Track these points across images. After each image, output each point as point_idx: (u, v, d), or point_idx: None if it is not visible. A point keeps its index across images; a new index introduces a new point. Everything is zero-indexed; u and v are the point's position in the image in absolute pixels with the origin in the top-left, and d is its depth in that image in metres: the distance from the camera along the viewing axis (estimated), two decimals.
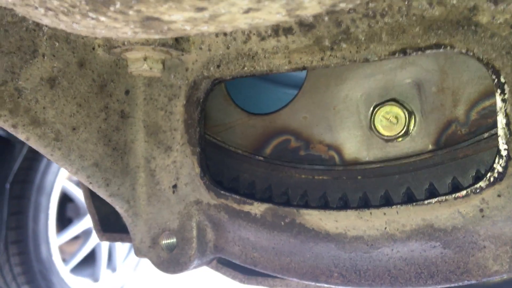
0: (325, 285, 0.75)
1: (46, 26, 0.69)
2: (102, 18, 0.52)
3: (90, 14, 0.52)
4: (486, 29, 0.60)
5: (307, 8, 0.49)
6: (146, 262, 3.95)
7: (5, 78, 0.66)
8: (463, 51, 0.62)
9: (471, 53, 0.61)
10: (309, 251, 0.74)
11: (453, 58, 0.70)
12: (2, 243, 4.66)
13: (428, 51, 0.64)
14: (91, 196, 1.06)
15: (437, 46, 0.63)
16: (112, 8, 0.49)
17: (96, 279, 3.79)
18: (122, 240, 1.04)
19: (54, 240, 3.63)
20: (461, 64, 0.70)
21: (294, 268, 0.76)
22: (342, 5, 0.50)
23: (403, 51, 0.65)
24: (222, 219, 0.79)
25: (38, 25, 0.69)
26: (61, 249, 3.64)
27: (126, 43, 0.72)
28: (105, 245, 3.66)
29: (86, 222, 3.68)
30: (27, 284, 5.05)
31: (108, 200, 0.83)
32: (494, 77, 0.60)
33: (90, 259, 3.72)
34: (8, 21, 0.66)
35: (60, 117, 0.72)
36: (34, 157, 5.02)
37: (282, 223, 0.75)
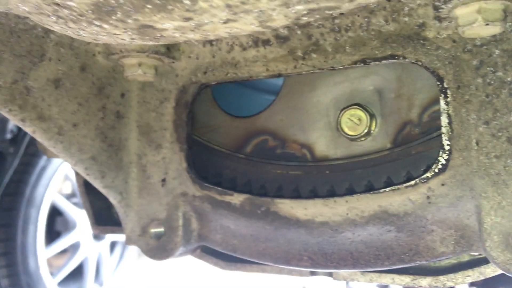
0: (296, 268, 0.84)
1: (54, 34, 0.79)
2: (105, 26, 0.62)
3: (95, 22, 0.62)
4: (432, 42, 0.71)
5: (276, 20, 0.59)
6: (132, 277, 3.99)
7: (16, 77, 0.75)
8: (413, 61, 0.72)
9: (420, 63, 0.72)
10: (282, 237, 0.83)
11: (409, 68, 0.81)
12: None
13: (384, 61, 0.74)
14: (87, 192, 1.15)
15: (392, 56, 0.74)
16: (114, 17, 0.59)
17: None
18: (114, 231, 1.13)
19: (43, 253, 3.64)
20: (415, 74, 0.80)
21: (269, 253, 0.85)
22: (305, 18, 0.60)
23: (363, 61, 0.75)
24: (206, 209, 0.89)
25: (46, 32, 0.79)
26: (49, 262, 3.65)
27: (123, 50, 0.82)
28: (92, 259, 3.68)
29: (75, 236, 3.70)
30: None
31: (103, 191, 0.91)
32: (439, 83, 0.71)
33: (78, 273, 3.73)
34: (21, 28, 0.75)
35: (63, 114, 0.81)
36: (25, 170, 5.06)
37: (259, 211, 0.84)
